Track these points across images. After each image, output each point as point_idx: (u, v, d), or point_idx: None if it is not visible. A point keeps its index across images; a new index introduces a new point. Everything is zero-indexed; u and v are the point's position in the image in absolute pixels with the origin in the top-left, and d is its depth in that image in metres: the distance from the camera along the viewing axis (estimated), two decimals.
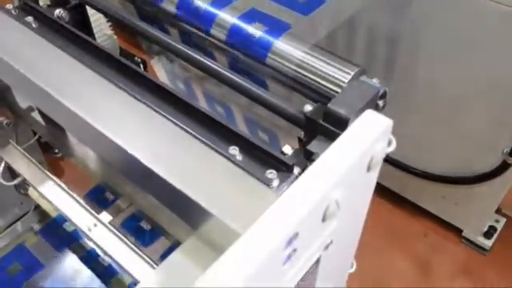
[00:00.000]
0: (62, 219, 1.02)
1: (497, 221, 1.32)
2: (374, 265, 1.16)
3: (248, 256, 0.28)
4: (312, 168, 0.33)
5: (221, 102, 0.90)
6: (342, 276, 0.55)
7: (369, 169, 0.38)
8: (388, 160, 1.15)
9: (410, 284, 1.24)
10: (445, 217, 1.32)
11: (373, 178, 0.41)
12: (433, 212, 1.33)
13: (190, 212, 0.46)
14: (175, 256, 0.44)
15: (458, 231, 1.32)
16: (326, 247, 0.38)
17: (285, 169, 0.55)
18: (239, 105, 0.87)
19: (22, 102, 0.90)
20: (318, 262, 0.38)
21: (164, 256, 0.95)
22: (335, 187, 0.33)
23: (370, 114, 0.37)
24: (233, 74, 0.67)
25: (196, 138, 0.51)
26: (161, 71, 0.97)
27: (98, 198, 1.11)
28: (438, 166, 1.23)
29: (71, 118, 0.52)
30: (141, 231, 1.08)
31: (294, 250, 0.32)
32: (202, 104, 0.94)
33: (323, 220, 0.34)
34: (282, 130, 0.81)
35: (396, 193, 1.34)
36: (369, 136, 0.35)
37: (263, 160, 0.55)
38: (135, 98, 0.55)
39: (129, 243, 0.72)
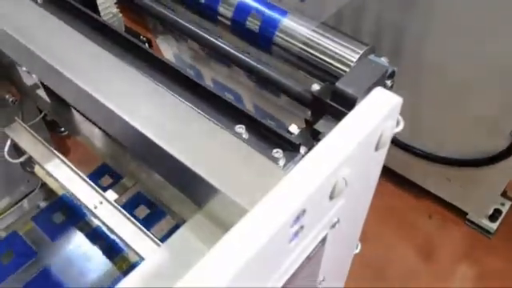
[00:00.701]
0: (68, 197, 1.02)
1: (502, 204, 1.32)
2: (377, 246, 1.17)
3: (255, 232, 0.28)
4: (321, 145, 0.33)
5: (227, 82, 0.89)
6: (347, 256, 0.55)
7: (377, 147, 0.37)
8: (393, 141, 1.14)
9: (412, 265, 1.24)
10: (450, 199, 1.31)
11: (381, 158, 0.41)
12: (438, 194, 1.32)
13: (196, 189, 0.46)
14: (181, 233, 0.44)
15: (462, 214, 1.32)
16: (333, 225, 0.38)
17: (291, 148, 0.54)
18: (246, 86, 0.86)
19: (28, 80, 0.90)
20: (324, 240, 0.38)
21: (168, 235, 0.96)
22: (344, 165, 0.32)
23: (379, 91, 0.37)
24: (240, 53, 0.66)
25: (203, 115, 0.51)
26: (166, 50, 0.96)
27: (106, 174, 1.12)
28: (444, 148, 1.22)
29: (77, 93, 0.52)
30: (145, 210, 1.09)
31: (301, 227, 0.32)
32: (208, 83, 0.93)
33: (331, 198, 0.34)
34: (287, 112, 0.80)
35: (401, 175, 1.33)
36: (378, 113, 0.34)
37: (269, 139, 0.55)
38: (142, 74, 0.55)
39: (134, 221, 0.72)
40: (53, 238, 1.14)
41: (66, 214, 1.16)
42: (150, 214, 1.07)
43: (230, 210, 0.40)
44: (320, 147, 0.33)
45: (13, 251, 1.12)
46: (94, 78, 0.52)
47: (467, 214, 1.31)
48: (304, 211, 0.31)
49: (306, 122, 0.60)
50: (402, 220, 1.31)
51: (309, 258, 0.37)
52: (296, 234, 0.32)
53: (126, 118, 0.47)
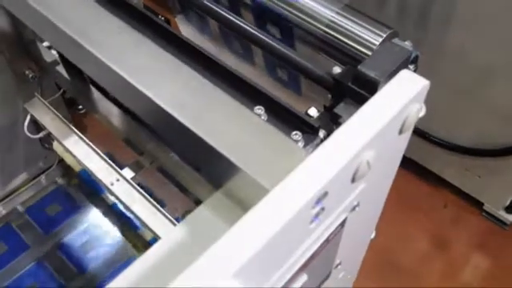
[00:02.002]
0: (85, 174, 1.03)
1: None
2: (391, 233, 1.16)
3: (277, 212, 0.28)
4: (346, 126, 0.32)
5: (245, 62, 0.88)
6: (364, 242, 0.55)
7: (401, 131, 0.37)
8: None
9: (425, 254, 1.24)
10: (466, 189, 1.30)
11: (404, 142, 0.40)
12: (455, 184, 1.31)
13: (216, 168, 0.46)
14: (200, 211, 0.44)
15: (478, 204, 1.30)
16: (353, 209, 0.38)
17: (310, 131, 0.54)
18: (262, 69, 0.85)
19: (47, 56, 0.91)
20: (343, 223, 0.38)
21: (185, 214, 0.96)
22: (368, 147, 0.32)
23: (406, 73, 0.36)
24: (260, 33, 0.65)
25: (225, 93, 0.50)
26: (185, 29, 0.95)
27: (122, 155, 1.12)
28: (463, 137, 1.20)
29: (100, 68, 0.52)
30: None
31: (322, 209, 0.32)
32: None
33: (353, 180, 0.33)
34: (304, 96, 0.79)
35: (418, 163, 1.32)
36: (405, 96, 0.34)
37: (289, 121, 0.55)
38: (164, 49, 0.54)
39: (150, 199, 0.72)
40: (69, 213, 1.16)
41: (83, 191, 1.18)
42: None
43: (250, 189, 0.40)
44: (345, 128, 0.32)
45: (28, 226, 1.15)
46: (117, 53, 0.52)
47: (483, 204, 1.30)
48: (326, 193, 0.30)
49: (324, 107, 0.60)
50: (416, 208, 1.31)
51: (327, 240, 0.36)
52: (317, 215, 0.32)
53: (149, 94, 0.47)
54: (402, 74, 0.36)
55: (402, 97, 0.34)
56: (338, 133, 0.32)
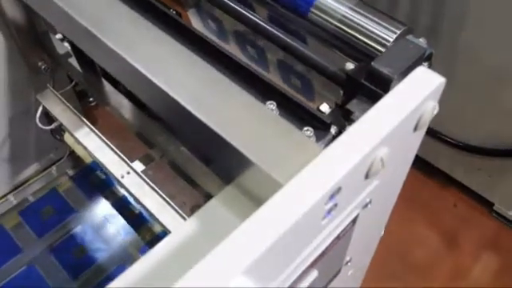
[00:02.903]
0: (95, 166, 1.04)
1: None
2: (400, 232, 1.16)
3: (291, 206, 0.28)
4: (361, 121, 0.32)
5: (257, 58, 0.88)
6: (374, 239, 0.55)
7: (416, 128, 0.36)
8: None
9: (434, 254, 1.23)
10: (477, 189, 1.29)
11: (418, 139, 0.40)
12: (465, 183, 1.30)
13: (228, 161, 0.46)
14: (211, 205, 0.44)
15: (489, 204, 1.29)
16: (365, 206, 0.38)
17: (322, 127, 0.54)
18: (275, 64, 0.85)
19: (60, 48, 0.91)
20: (355, 220, 0.38)
21: (194, 208, 0.97)
22: (382, 144, 0.32)
23: (422, 70, 0.35)
24: (273, 28, 0.65)
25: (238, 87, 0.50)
26: (197, 23, 0.95)
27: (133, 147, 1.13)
28: (474, 137, 1.19)
29: (113, 58, 0.52)
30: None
31: (335, 205, 0.32)
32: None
33: (366, 177, 0.33)
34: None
35: (428, 162, 1.31)
36: (421, 93, 0.33)
37: (300, 117, 0.54)
38: (177, 41, 0.54)
39: (161, 193, 0.73)
40: (79, 205, 1.17)
41: (93, 183, 1.18)
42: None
43: (263, 183, 0.40)
44: (360, 124, 0.32)
45: (41, 216, 1.15)
46: (132, 44, 0.52)
47: (493, 204, 1.29)
48: (340, 189, 0.30)
49: (336, 104, 0.60)
50: (426, 207, 1.30)
51: (339, 237, 0.36)
52: (329, 211, 0.32)
53: (163, 86, 0.47)
54: (418, 71, 0.35)
55: (417, 94, 0.33)
56: (354, 128, 0.32)
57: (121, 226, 1.13)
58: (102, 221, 1.14)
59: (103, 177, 1.12)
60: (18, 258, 1.09)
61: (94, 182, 1.19)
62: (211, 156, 0.53)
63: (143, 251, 1.10)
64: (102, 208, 1.16)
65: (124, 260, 1.08)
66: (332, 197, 0.30)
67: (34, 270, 1.07)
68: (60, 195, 1.19)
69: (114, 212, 1.14)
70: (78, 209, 1.16)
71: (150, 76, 0.48)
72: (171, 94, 0.47)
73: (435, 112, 0.40)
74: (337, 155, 0.30)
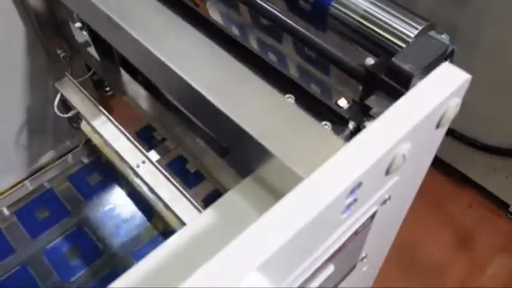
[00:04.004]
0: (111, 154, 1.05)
1: None
2: (414, 230, 1.15)
3: (311, 200, 0.28)
4: (384, 117, 0.32)
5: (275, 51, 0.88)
6: (390, 236, 0.54)
7: (438, 126, 0.36)
8: None
9: (447, 253, 1.22)
10: (493, 190, 1.27)
11: (439, 137, 0.39)
12: (481, 184, 1.28)
13: (247, 154, 0.46)
14: (228, 198, 0.44)
15: (504, 206, 1.27)
16: (384, 202, 0.37)
17: (340, 122, 0.53)
18: (292, 59, 0.84)
19: (79, 37, 0.92)
20: (373, 216, 0.37)
21: (205, 200, 0.97)
22: (405, 140, 0.31)
23: (447, 66, 0.35)
24: (293, 21, 0.64)
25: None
26: (216, 15, 0.95)
27: (146, 138, 1.14)
28: (492, 136, 1.18)
29: (133, 46, 0.52)
30: (185, 173, 1.11)
31: (355, 200, 0.31)
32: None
33: (387, 173, 0.33)
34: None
35: (444, 161, 1.30)
36: (445, 89, 0.33)
37: (318, 111, 0.54)
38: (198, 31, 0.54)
39: (175, 183, 0.73)
40: (94, 193, 1.18)
41: (109, 171, 1.19)
42: (189, 177, 1.09)
43: (283, 176, 0.40)
44: (383, 118, 0.32)
45: (50, 206, 1.17)
46: (154, 33, 0.52)
47: (509, 206, 1.27)
48: (360, 183, 0.30)
49: (353, 100, 0.59)
50: (441, 206, 1.29)
51: (357, 232, 0.36)
52: (349, 206, 0.31)
53: (184, 76, 0.47)
54: (443, 67, 0.35)
55: (442, 90, 0.33)
56: (377, 123, 0.32)
57: (134, 214, 1.14)
58: (116, 208, 1.15)
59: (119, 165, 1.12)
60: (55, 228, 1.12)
61: (109, 170, 1.20)
62: (230, 147, 0.52)
63: (157, 241, 1.10)
64: (117, 196, 1.17)
65: (137, 249, 1.09)
66: (353, 191, 0.30)
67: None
68: (75, 182, 1.20)
69: (128, 200, 1.15)
70: (93, 197, 1.17)
71: (171, 65, 0.48)
72: (192, 83, 0.46)
73: (457, 109, 0.39)
74: (359, 149, 0.30)
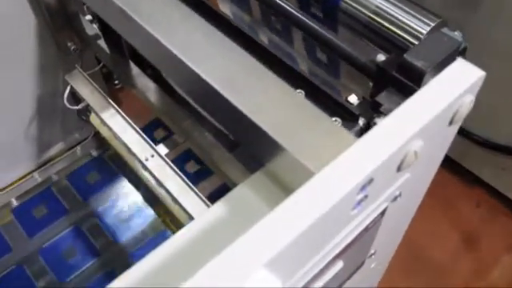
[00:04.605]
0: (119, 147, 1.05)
1: None
2: (421, 229, 1.14)
3: (323, 195, 0.28)
4: (396, 113, 0.32)
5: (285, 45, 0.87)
6: (399, 233, 0.54)
7: (451, 123, 0.35)
8: None
9: (453, 253, 1.22)
10: (502, 189, 1.26)
11: (451, 134, 0.39)
12: (489, 183, 1.27)
13: (257, 148, 0.46)
14: (237, 192, 0.44)
15: None
16: (395, 199, 0.37)
17: (350, 118, 0.53)
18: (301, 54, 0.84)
19: (89, 29, 0.92)
20: (383, 213, 0.37)
21: (212, 194, 0.97)
22: (417, 136, 0.31)
23: (461, 62, 0.34)
24: (303, 16, 0.64)
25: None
26: (225, 8, 0.95)
27: (155, 131, 1.14)
28: (502, 136, 1.17)
29: (145, 38, 0.52)
30: (193, 167, 1.11)
31: (366, 197, 0.31)
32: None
33: (398, 169, 0.33)
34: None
35: (453, 159, 1.29)
36: (459, 86, 0.33)
37: (328, 107, 0.54)
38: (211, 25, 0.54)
39: (183, 177, 0.73)
40: (101, 186, 1.18)
41: (117, 164, 1.20)
42: (197, 171, 1.09)
43: (293, 171, 0.39)
44: (396, 114, 0.32)
45: (62, 196, 1.18)
46: (166, 25, 0.52)
47: None
48: (372, 180, 0.30)
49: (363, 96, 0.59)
50: (448, 205, 1.28)
51: (367, 228, 0.36)
52: (359, 202, 0.31)
53: (196, 69, 0.47)
54: (457, 63, 0.34)
55: (456, 86, 0.33)
56: (390, 119, 0.31)
57: (142, 207, 1.15)
58: (124, 201, 1.16)
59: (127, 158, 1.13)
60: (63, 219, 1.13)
61: (118, 163, 1.20)
62: (241, 141, 0.52)
63: (163, 234, 1.11)
64: (124, 188, 1.18)
65: (145, 241, 1.10)
66: (364, 187, 0.30)
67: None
68: (84, 175, 1.21)
69: (136, 193, 1.16)
70: (100, 189, 1.18)
71: (184, 58, 0.48)
72: (204, 77, 0.46)
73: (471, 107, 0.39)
74: (372, 145, 0.30)
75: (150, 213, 1.13)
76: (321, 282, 0.35)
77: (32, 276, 1.05)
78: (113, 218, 1.13)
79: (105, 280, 1.03)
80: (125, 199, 1.17)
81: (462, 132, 1.21)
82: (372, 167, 0.29)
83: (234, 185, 0.52)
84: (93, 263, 1.07)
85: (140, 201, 1.16)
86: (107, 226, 1.12)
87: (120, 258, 1.08)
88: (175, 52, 0.49)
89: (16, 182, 1.15)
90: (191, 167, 1.05)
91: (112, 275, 0.97)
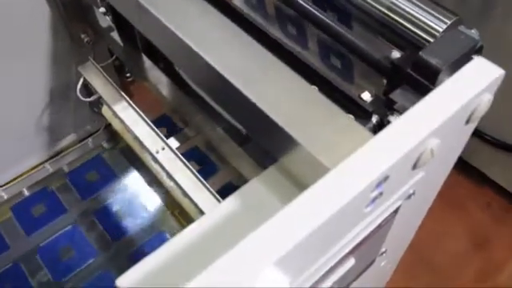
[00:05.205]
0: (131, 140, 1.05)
1: None
2: (430, 228, 1.14)
3: (337, 192, 0.27)
4: (414, 110, 0.31)
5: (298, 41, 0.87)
6: (411, 232, 0.54)
7: (468, 121, 0.35)
8: None
9: (463, 251, 1.21)
10: None
11: (468, 133, 0.38)
12: (500, 183, 1.26)
13: (271, 142, 0.45)
14: (250, 187, 0.43)
15: None
16: (409, 197, 0.37)
17: (363, 115, 0.53)
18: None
19: (103, 22, 0.92)
20: (396, 211, 0.37)
21: (222, 189, 0.97)
22: (434, 134, 0.31)
23: (480, 60, 0.34)
24: (317, 11, 0.64)
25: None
26: (239, 1, 0.94)
27: (166, 125, 1.14)
28: None
29: (160, 29, 0.51)
30: (203, 162, 1.11)
31: (380, 194, 0.31)
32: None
33: (414, 167, 0.32)
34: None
35: (463, 159, 1.28)
36: (478, 84, 0.32)
37: (342, 104, 0.53)
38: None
39: (194, 171, 0.73)
40: (112, 178, 1.19)
41: (128, 156, 1.21)
42: (207, 166, 1.10)
43: (308, 166, 0.39)
44: (413, 112, 0.31)
45: (74, 188, 1.18)
46: (179, 16, 0.52)
47: None
48: (387, 177, 0.30)
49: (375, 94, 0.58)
50: (458, 205, 1.27)
51: (380, 226, 0.36)
52: (374, 200, 0.31)
53: (212, 62, 0.47)
54: (476, 61, 0.34)
55: (474, 85, 0.32)
56: (406, 116, 0.31)
57: (151, 200, 1.15)
58: (134, 193, 1.16)
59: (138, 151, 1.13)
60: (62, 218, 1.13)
61: (129, 155, 1.21)
62: (254, 136, 0.52)
63: (172, 228, 1.11)
64: (135, 181, 1.18)
65: (152, 235, 1.10)
66: (379, 185, 0.30)
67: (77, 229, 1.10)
68: (95, 167, 1.21)
69: (146, 186, 1.16)
70: (111, 181, 1.18)
71: (199, 51, 0.48)
72: (220, 70, 0.46)
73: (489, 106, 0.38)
74: (389, 142, 0.30)
75: (159, 204, 1.14)
76: (330, 282, 0.35)
77: (28, 274, 1.05)
78: (103, 225, 1.12)
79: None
80: (135, 191, 1.17)
81: (473, 131, 1.20)
82: (388, 164, 0.29)
83: (240, 182, 0.52)
84: (89, 263, 1.06)
85: (150, 193, 1.16)
86: (95, 233, 1.11)
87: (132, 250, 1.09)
88: (190, 44, 0.49)
89: (28, 171, 1.16)
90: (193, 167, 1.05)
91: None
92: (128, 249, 1.08)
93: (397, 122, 0.31)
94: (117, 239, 1.10)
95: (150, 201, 1.15)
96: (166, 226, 1.11)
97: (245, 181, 0.46)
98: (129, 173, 1.20)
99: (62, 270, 1.05)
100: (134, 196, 1.16)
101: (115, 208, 1.14)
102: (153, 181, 1.16)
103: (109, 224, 1.12)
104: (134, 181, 1.18)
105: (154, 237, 1.10)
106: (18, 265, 1.06)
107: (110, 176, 1.19)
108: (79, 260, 1.06)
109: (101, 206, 1.14)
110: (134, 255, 1.07)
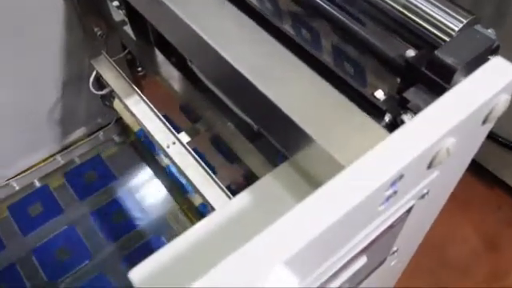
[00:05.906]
0: (141, 134, 1.06)
1: None
2: (440, 229, 1.13)
3: (352, 190, 0.27)
4: (430, 109, 0.31)
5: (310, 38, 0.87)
6: (422, 232, 0.53)
7: (484, 121, 0.35)
8: None
9: (472, 255, 1.20)
10: None
11: (484, 133, 0.38)
12: (511, 185, 1.25)
13: (285, 139, 0.45)
14: (263, 183, 0.43)
15: None
16: (422, 196, 0.36)
17: (376, 113, 0.52)
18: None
19: (116, 15, 0.92)
20: (410, 210, 0.37)
21: (230, 185, 0.97)
22: (450, 134, 0.30)
23: (498, 60, 0.34)
24: (331, 8, 0.63)
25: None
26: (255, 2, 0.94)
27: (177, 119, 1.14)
28: None
29: (179, 27, 0.51)
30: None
31: (395, 192, 0.31)
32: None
33: (429, 167, 0.32)
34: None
35: (475, 161, 1.27)
36: (496, 84, 0.32)
37: (354, 102, 0.53)
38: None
39: (205, 166, 0.73)
40: (123, 170, 1.19)
41: (139, 150, 1.21)
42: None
43: (322, 163, 0.39)
44: (429, 111, 0.31)
45: (84, 180, 1.19)
46: (194, 10, 0.51)
47: None
48: (402, 176, 0.29)
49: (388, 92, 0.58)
50: (469, 207, 1.26)
51: (392, 225, 0.36)
52: (388, 198, 0.31)
53: (227, 57, 0.46)
54: (494, 61, 0.34)
55: (492, 84, 0.32)
56: (423, 115, 0.31)
57: (161, 193, 1.15)
58: (144, 187, 1.17)
59: (149, 145, 1.13)
60: (59, 218, 1.12)
61: (139, 149, 1.21)
62: (267, 131, 0.52)
63: (180, 222, 1.11)
64: (145, 175, 1.18)
65: (161, 231, 1.10)
66: (394, 183, 0.29)
67: (74, 229, 1.11)
68: (104, 160, 1.22)
69: (156, 180, 1.16)
70: (119, 175, 1.19)
71: (212, 43, 0.47)
72: (236, 65, 0.46)
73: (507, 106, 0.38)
74: (405, 140, 0.29)
75: (168, 199, 1.14)
76: (339, 281, 0.35)
77: (23, 274, 1.04)
78: (102, 225, 1.11)
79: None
80: (143, 185, 1.17)
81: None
82: (404, 162, 0.28)
83: (252, 176, 0.51)
84: (85, 265, 1.05)
85: (159, 187, 1.16)
86: (90, 234, 1.10)
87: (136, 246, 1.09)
88: (205, 37, 0.48)
89: (39, 163, 1.17)
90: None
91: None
92: (138, 242, 1.09)
93: (414, 120, 0.31)
94: (126, 232, 1.10)
95: (160, 194, 1.15)
96: (176, 222, 1.11)
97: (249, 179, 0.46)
98: (139, 166, 1.20)
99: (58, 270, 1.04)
100: (143, 189, 1.16)
101: (91, 225, 1.12)
102: (162, 174, 1.16)
103: (106, 225, 1.11)
104: (144, 174, 1.18)
105: (151, 238, 1.09)
106: (13, 265, 1.05)
107: (110, 176, 1.19)
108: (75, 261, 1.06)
109: (98, 207, 1.14)
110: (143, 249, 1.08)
